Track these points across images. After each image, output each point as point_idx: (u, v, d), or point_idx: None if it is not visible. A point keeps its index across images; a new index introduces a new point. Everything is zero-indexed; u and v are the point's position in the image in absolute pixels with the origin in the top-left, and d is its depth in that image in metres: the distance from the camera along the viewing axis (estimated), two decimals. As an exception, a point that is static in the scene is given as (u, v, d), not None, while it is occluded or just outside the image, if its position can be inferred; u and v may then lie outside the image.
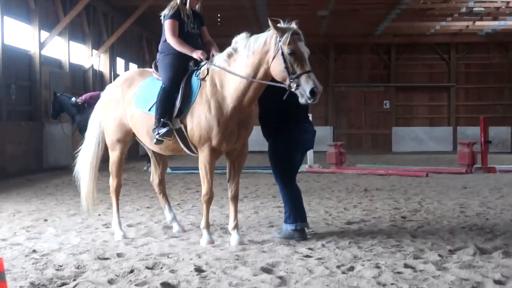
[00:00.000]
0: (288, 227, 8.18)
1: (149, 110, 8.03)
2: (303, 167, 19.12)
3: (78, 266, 6.85)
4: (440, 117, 36.74)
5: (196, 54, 7.84)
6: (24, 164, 19.02)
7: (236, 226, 7.99)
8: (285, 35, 7.25)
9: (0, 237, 8.60)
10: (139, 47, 33.63)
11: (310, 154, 19.72)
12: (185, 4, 8.12)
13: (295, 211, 8.21)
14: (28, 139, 19.55)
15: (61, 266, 6.86)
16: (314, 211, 10.77)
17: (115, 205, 8.68)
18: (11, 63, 19.28)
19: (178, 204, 11.66)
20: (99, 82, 26.92)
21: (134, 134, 8.54)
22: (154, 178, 9.12)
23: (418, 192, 13.67)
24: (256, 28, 32.24)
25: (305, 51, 7.34)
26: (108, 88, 8.93)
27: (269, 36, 7.42)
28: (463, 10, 28.35)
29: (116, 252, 7.52)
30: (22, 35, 20.79)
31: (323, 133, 32.57)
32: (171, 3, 8.17)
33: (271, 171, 8.51)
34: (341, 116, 36.21)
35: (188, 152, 8.11)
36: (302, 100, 7.20)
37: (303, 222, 8.23)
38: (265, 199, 12.35)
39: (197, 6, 8.29)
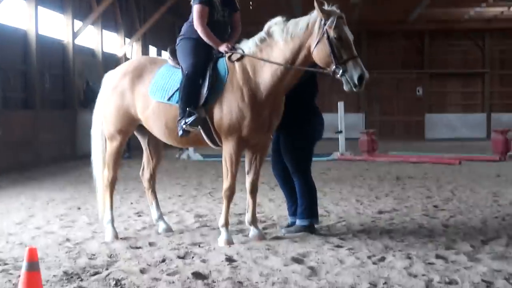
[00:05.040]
0: (301, 223, 7.88)
1: (169, 99, 7.50)
2: (335, 155, 19.08)
3: (111, 255, 6.92)
4: (474, 103, 36.29)
5: (222, 48, 7.37)
6: (58, 151, 19.24)
7: (255, 221, 7.69)
8: (331, 19, 6.89)
9: (35, 225, 8.71)
10: (172, 35, 33.66)
11: (342, 141, 19.64)
12: None
13: (311, 207, 7.88)
14: (61, 127, 19.77)
15: (94, 255, 6.93)
16: (345, 199, 10.75)
17: (109, 201, 7.99)
18: (45, 52, 19.44)
19: (209, 193, 11.69)
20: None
21: (135, 126, 8.00)
22: (145, 172, 8.39)
23: (451, 180, 13.56)
24: (289, 15, 31.88)
25: (351, 36, 7.04)
26: (111, 75, 8.16)
27: (312, 20, 7.05)
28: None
29: (148, 241, 7.57)
30: (55, 25, 20.96)
31: (355, 120, 32.48)
32: None
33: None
34: (373, 103, 35.94)
35: (210, 144, 7.57)
36: (346, 87, 6.86)
37: (315, 218, 7.95)
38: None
39: None
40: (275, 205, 10.18)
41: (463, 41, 36.29)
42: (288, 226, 8.16)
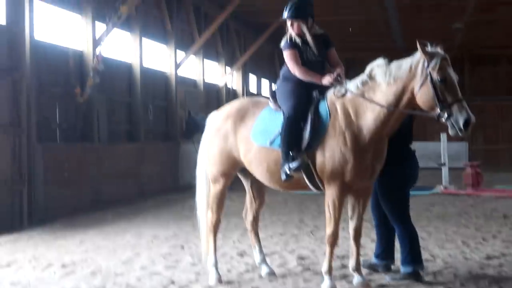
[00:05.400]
0: (406, 270, 7.69)
1: (271, 144, 7.44)
2: (439, 188, 18.66)
3: (215, 301, 6.96)
4: None
5: (326, 80, 7.31)
6: (161, 183, 19.54)
7: (359, 268, 7.53)
8: (434, 60, 6.75)
9: (140, 265, 8.87)
10: (271, 63, 33.98)
11: (445, 173, 19.18)
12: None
13: (413, 253, 7.70)
14: (164, 159, 20.14)
15: (199, 300, 6.99)
16: (450, 241, 10.44)
17: (212, 244, 8.02)
18: (148, 84, 19.91)
19: (311, 231, 11.59)
20: (232, 100, 27.36)
21: (238, 168, 8.01)
22: (248, 214, 8.42)
23: None
24: (387, 40, 31.73)
25: (455, 77, 6.85)
26: (215, 116, 8.20)
27: (414, 62, 6.91)
28: None
29: (251, 286, 7.58)
30: (158, 56, 21.45)
31: (457, 149, 31.64)
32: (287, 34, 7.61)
33: None
34: (476, 132, 34.94)
35: (312, 188, 7.49)
36: (451, 132, 6.72)
37: (420, 264, 7.75)
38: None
39: (316, 28, 7.67)
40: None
41: None
42: (369, 265, 8.14)
